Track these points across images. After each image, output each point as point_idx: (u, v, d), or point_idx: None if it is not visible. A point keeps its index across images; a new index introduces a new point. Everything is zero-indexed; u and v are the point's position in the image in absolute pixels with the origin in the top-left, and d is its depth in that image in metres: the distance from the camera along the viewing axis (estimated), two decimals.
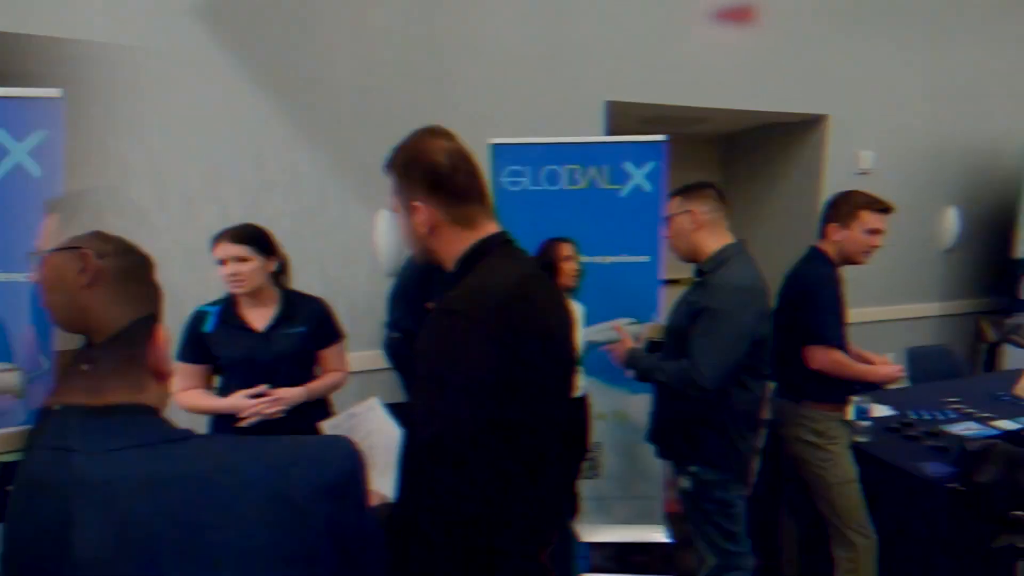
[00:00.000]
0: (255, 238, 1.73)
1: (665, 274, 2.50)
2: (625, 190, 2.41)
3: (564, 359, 1.09)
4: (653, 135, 2.41)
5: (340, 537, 0.63)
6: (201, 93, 2.32)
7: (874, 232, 1.86)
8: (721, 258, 1.69)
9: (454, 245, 1.02)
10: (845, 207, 1.91)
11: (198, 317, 1.77)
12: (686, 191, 1.78)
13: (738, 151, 4.55)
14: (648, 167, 2.39)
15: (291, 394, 1.71)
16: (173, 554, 0.55)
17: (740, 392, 1.67)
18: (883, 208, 1.86)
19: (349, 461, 0.66)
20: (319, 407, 1.85)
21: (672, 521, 2.77)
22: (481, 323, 0.90)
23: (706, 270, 1.71)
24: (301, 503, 0.61)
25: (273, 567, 0.59)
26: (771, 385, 1.98)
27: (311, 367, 1.86)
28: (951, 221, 3.90)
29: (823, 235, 1.96)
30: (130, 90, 2.22)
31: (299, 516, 0.61)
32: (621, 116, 3.12)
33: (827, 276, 1.89)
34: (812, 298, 1.86)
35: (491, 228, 1.04)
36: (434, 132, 1.03)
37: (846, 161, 3.57)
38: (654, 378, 1.70)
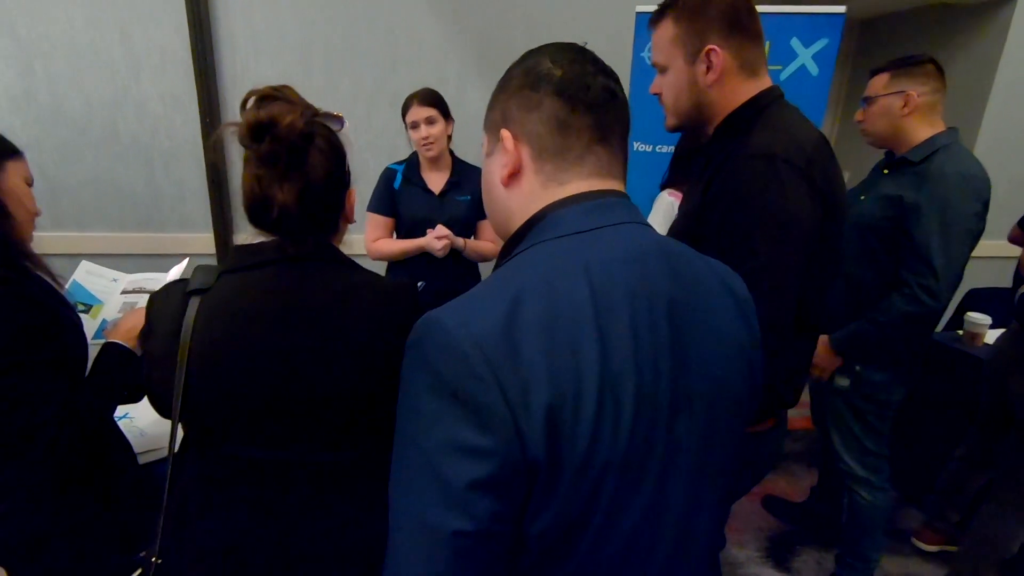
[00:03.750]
0: (440, 101, 1.79)
1: None
2: (787, 71, 2.11)
3: (842, 223, 1.04)
4: (825, 6, 2.06)
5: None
6: None
7: None
8: (935, 146, 1.48)
9: (735, 96, 0.97)
10: None
11: (389, 174, 1.88)
12: (899, 67, 1.52)
13: (880, 40, 3.96)
14: (819, 45, 2.07)
15: (454, 239, 1.81)
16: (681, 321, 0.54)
17: None
18: None
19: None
20: (473, 276, 1.93)
21: None
22: (800, 169, 0.88)
23: (915, 159, 1.49)
24: (743, 301, 0.62)
25: (740, 358, 0.60)
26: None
27: (471, 236, 1.94)
28: None
29: None
30: None
31: (743, 310, 0.62)
32: None
33: None
34: None
35: (767, 79, 1.00)
36: None
37: None
38: (878, 338, 1.51)
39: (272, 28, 2.28)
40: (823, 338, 1.61)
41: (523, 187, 0.60)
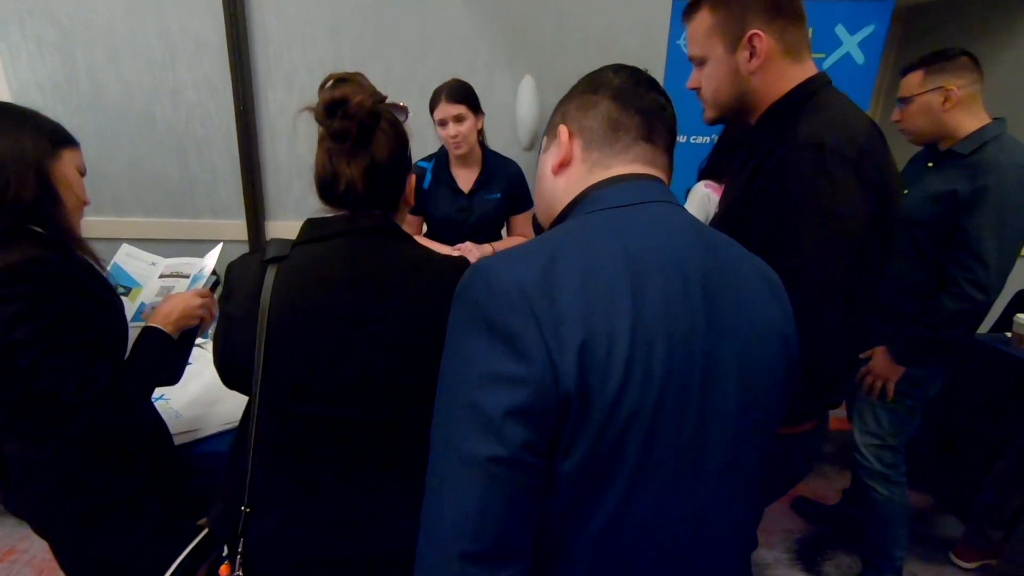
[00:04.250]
0: (469, 95, 1.71)
1: None
2: (830, 60, 2.03)
3: (894, 218, 0.98)
4: None
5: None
6: None
7: None
8: (984, 137, 1.43)
9: (780, 83, 0.93)
10: None
11: (418, 173, 1.81)
12: (932, 63, 1.47)
13: (927, 28, 3.78)
14: (865, 33, 1.99)
15: (481, 250, 1.76)
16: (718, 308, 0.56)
17: None
18: None
19: None
20: None
21: None
22: (851, 161, 0.83)
23: (964, 152, 1.43)
24: (779, 290, 0.63)
25: (776, 341, 0.60)
26: None
27: (501, 230, 1.91)
28: None
29: None
30: None
31: (779, 299, 0.63)
32: None
33: None
34: None
35: (812, 65, 0.95)
36: None
37: None
38: (932, 340, 1.47)
39: (303, 17, 2.29)
40: (881, 348, 1.56)
41: (571, 174, 0.65)
